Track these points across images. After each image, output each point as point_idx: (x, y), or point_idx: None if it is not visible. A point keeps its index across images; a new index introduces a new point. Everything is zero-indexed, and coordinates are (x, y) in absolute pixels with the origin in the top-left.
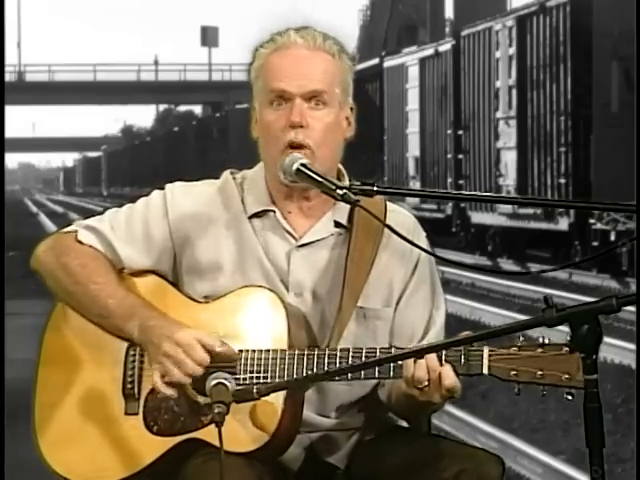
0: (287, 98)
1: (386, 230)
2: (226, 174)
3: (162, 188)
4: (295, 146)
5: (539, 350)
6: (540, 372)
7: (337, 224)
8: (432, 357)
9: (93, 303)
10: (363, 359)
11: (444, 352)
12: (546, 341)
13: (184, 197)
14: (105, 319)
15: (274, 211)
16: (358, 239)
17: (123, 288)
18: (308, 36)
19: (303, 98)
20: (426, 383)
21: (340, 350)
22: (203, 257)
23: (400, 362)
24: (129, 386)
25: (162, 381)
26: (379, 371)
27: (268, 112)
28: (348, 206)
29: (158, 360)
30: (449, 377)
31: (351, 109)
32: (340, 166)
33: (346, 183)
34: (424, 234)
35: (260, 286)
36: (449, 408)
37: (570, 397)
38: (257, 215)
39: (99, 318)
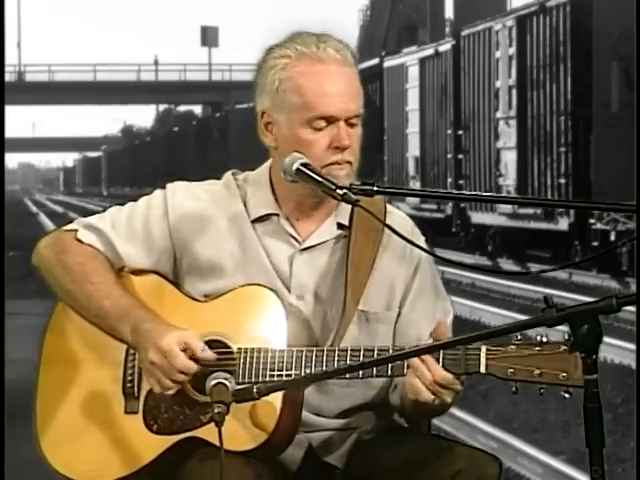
0: (332, 121)
1: (386, 232)
2: (228, 175)
3: (164, 188)
4: (338, 164)
5: (537, 348)
6: (538, 370)
7: (340, 226)
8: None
9: (89, 303)
10: (361, 358)
11: (441, 351)
12: (544, 339)
13: (184, 197)
14: (100, 319)
15: (278, 215)
16: (358, 241)
17: (120, 289)
18: (340, 51)
19: (344, 121)
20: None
21: (338, 349)
22: (203, 258)
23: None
24: (129, 385)
25: (158, 385)
26: (377, 370)
27: (306, 132)
28: (349, 208)
29: (146, 367)
30: (437, 371)
31: None
32: None
33: (346, 183)
34: (423, 238)
35: (259, 284)
36: None
37: (567, 395)
38: (260, 219)
39: (95, 318)
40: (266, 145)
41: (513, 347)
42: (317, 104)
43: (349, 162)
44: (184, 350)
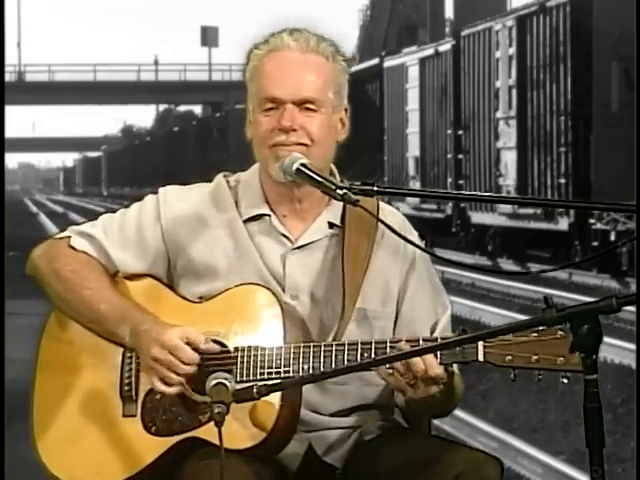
0: (279, 103)
1: (379, 229)
2: (219, 177)
3: (156, 192)
4: (283, 145)
5: (533, 335)
6: (535, 356)
7: (331, 225)
8: (417, 361)
9: (86, 308)
10: (359, 352)
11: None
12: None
13: (176, 201)
14: (98, 324)
15: (269, 215)
16: (352, 239)
17: (115, 292)
18: (301, 38)
19: (294, 104)
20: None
21: (336, 344)
22: (197, 260)
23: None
24: (126, 388)
25: (161, 382)
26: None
27: (260, 116)
28: (340, 207)
29: (149, 365)
30: (432, 366)
31: (345, 110)
32: (332, 166)
33: (345, 183)
34: (416, 233)
35: (255, 284)
36: None
37: (566, 380)
38: (252, 219)
39: (92, 323)
40: (249, 140)
41: (510, 334)
42: (265, 86)
43: (302, 144)
44: (187, 344)
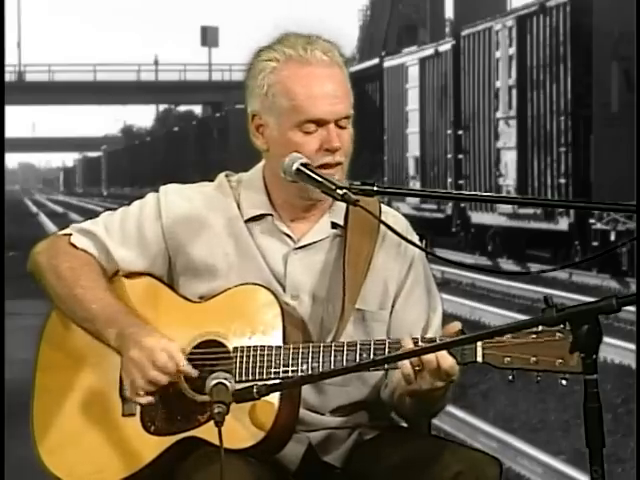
0: (321, 124)
1: (380, 231)
2: (221, 177)
3: (157, 191)
4: (329, 166)
5: (532, 336)
6: (534, 358)
7: (334, 225)
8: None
9: (78, 306)
10: (358, 353)
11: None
12: (539, 328)
13: (177, 199)
14: (88, 323)
15: (271, 215)
16: (354, 240)
17: (110, 294)
18: (328, 51)
19: (334, 122)
20: (418, 367)
21: (335, 344)
22: (198, 259)
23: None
24: (126, 387)
25: (131, 388)
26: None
27: (296, 135)
28: (344, 207)
29: (125, 367)
30: (446, 360)
31: None
32: None
33: (345, 183)
34: (417, 237)
35: (255, 284)
36: (449, 408)
37: (565, 382)
38: (254, 219)
39: (83, 322)
40: (257, 147)
41: (509, 336)
42: (305, 107)
43: (340, 163)
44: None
